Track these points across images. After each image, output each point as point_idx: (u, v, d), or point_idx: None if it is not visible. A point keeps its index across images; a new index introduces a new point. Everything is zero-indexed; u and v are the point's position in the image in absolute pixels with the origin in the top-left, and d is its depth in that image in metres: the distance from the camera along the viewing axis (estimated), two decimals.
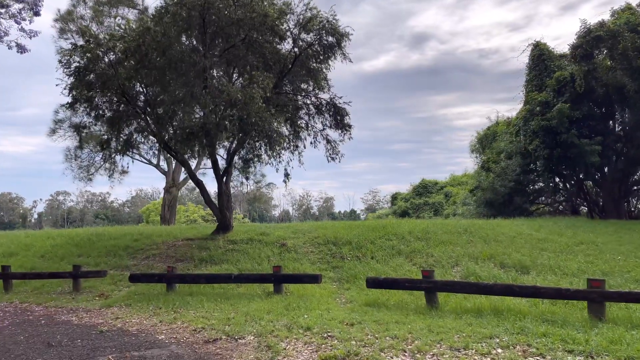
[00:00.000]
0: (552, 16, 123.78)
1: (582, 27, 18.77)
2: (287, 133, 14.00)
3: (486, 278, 10.89)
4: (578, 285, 10.05)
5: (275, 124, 11.96)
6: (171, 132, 14.43)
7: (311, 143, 15.77)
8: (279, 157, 14.76)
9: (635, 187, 21.71)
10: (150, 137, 17.17)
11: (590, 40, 17.88)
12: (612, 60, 18.09)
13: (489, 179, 23.49)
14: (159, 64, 14.87)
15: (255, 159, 14.70)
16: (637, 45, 17.18)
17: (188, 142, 13.15)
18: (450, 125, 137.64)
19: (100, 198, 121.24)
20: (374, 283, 9.68)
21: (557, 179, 22.80)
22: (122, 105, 16.68)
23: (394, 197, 53.73)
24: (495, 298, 9.09)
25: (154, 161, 37.14)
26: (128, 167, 19.43)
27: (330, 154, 15.62)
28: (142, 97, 16.82)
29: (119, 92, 16.01)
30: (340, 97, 15.01)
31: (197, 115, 13.97)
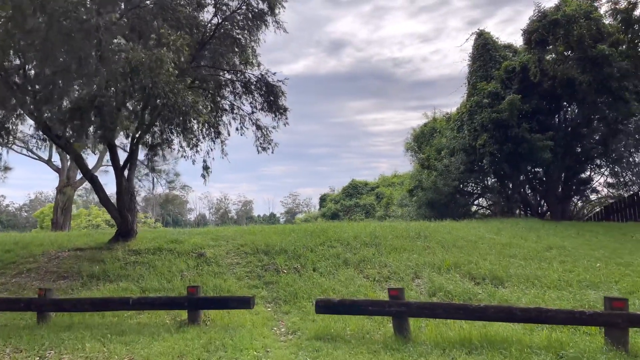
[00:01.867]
0: (459, 30, 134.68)
1: (536, 11, 17.96)
2: (206, 113, 11.28)
3: (458, 294, 9.12)
4: (569, 300, 8.58)
5: (191, 98, 9.41)
6: (54, 110, 11.28)
7: (237, 129, 13.32)
8: (196, 146, 12.12)
9: (581, 187, 21.47)
10: (28, 119, 13.79)
11: (547, 24, 17.04)
12: (567, 49, 17.38)
13: (431, 177, 22.27)
14: (37, 25, 11.72)
15: (165, 145, 11.93)
16: (593, 32, 16.60)
17: (72, 122, 10.17)
18: (366, 131, 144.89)
19: None
20: (327, 307, 7.51)
21: (500, 178, 22.03)
22: None
23: (323, 199, 52.15)
24: (480, 323, 7.28)
25: (45, 156, 32.58)
26: (0, 158, 15.69)
27: (261, 142, 13.22)
28: (17, 68, 13.42)
29: None
30: (274, 74, 12.70)
31: (89, 89, 10.96)
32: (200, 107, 9.56)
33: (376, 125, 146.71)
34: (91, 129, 11.59)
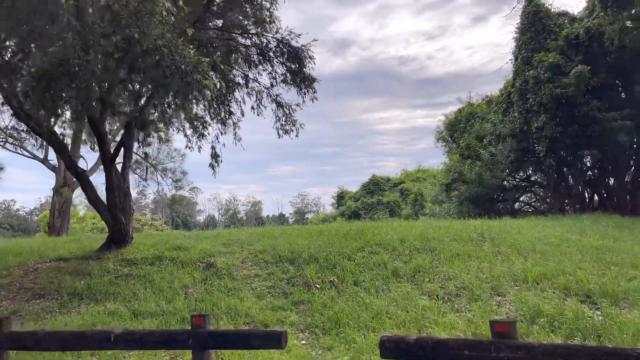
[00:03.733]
0: (464, 27, 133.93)
1: None
2: (213, 80, 8.80)
3: (568, 320, 6.71)
4: None
5: (193, 52, 7.12)
6: (18, 81, 9.10)
7: (253, 108, 11.04)
8: (203, 128, 9.83)
9: None
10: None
11: None
12: None
13: (475, 169, 19.80)
14: None
15: (160, 123, 9.61)
16: None
17: (41, 94, 7.95)
18: (373, 130, 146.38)
19: (4, 206, 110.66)
20: (399, 350, 5.11)
21: (555, 167, 19.46)
22: None
23: (340, 197, 49.73)
24: None
25: (41, 155, 30.85)
26: None
27: (282, 124, 10.92)
28: None
29: None
30: (299, 35, 10.34)
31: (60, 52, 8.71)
32: (206, 68, 7.31)
33: (382, 124, 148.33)
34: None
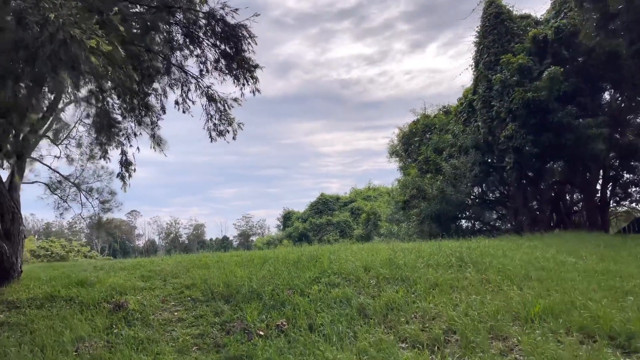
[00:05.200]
0: (403, 52, 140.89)
1: None
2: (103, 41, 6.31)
3: None
4: None
5: (81, 22, 4.97)
6: None
7: (177, 103, 8.88)
8: (110, 125, 7.59)
9: (628, 189, 17.98)
10: None
11: None
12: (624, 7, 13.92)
13: (436, 184, 18.31)
14: None
15: (30, 112, 7.16)
16: None
17: None
18: (316, 152, 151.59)
19: None
20: None
21: (523, 181, 18.31)
22: None
23: (287, 217, 47.42)
24: None
25: None
26: None
27: (215, 123, 8.82)
28: None
29: None
30: (236, 10, 8.31)
31: None
32: (94, 25, 5.16)
33: (326, 146, 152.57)
34: None
